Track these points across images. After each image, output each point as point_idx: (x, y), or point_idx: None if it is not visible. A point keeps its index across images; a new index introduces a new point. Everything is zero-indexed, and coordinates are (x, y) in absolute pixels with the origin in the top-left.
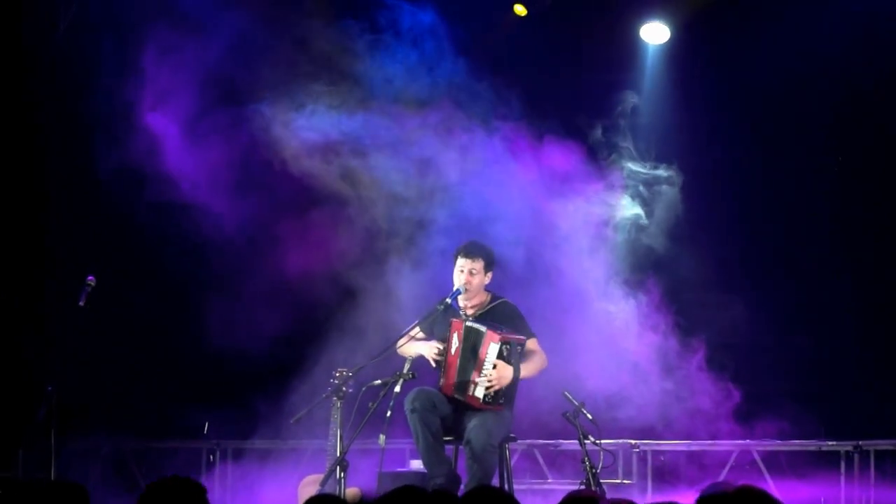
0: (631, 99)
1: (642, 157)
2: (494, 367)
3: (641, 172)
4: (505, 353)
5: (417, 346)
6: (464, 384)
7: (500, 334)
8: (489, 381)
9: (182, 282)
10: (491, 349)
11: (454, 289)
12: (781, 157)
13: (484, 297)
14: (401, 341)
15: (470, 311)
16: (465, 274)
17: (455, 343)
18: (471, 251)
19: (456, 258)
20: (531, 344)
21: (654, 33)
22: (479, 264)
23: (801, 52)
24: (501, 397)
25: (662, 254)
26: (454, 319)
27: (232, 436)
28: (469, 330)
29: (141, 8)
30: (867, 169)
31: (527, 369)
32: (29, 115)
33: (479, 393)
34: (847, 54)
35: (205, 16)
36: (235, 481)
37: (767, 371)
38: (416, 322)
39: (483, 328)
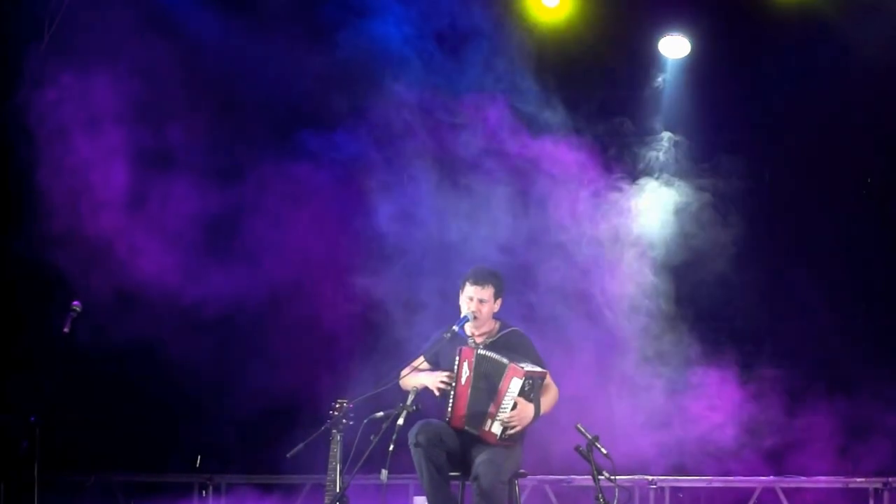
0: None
1: (672, 171)
2: (515, 405)
3: (670, 187)
4: (527, 389)
5: (421, 378)
6: (477, 416)
7: (523, 369)
8: (509, 419)
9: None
10: (513, 384)
11: (461, 316)
12: (814, 177)
13: (493, 326)
14: (404, 372)
15: (479, 339)
16: (475, 302)
17: (465, 372)
18: (480, 278)
19: (464, 285)
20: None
21: (674, 47)
22: (488, 292)
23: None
24: (516, 437)
25: (691, 279)
26: (463, 347)
27: (225, 469)
28: (482, 359)
29: None
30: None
31: (544, 405)
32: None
33: (497, 430)
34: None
35: None
36: None
37: (791, 405)
38: (421, 352)
39: (505, 360)
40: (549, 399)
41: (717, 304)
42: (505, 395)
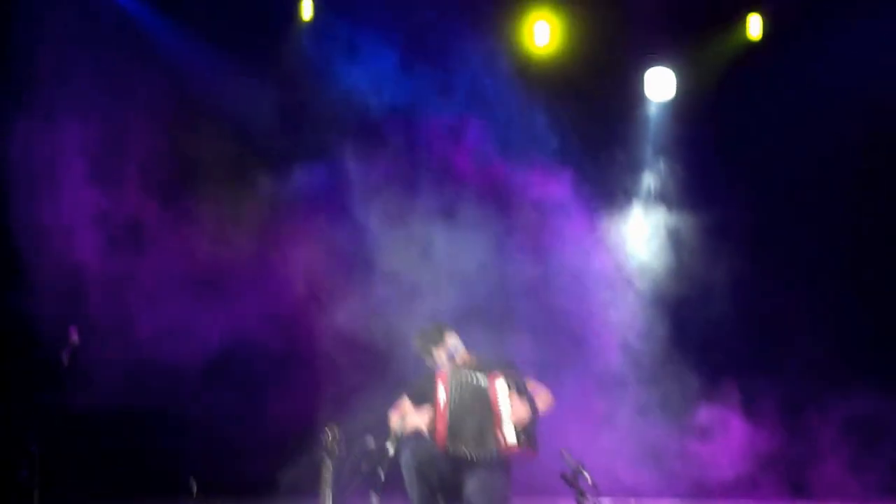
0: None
1: (659, 202)
2: (510, 405)
3: (657, 218)
4: (513, 387)
5: (413, 420)
6: (470, 438)
7: (498, 371)
8: (511, 418)
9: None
10: (499, 386)
11: (450, 346)
12: (797, 210)
13: (468, 357)
14: (391, 416)
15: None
16: (455, 357)
17: (442, 396)
18: (436, 339)
19: (432, 352)
20: (530, 385)
21: (660, 86)
22: (449, 342)
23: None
24: (534, 440)
25: (678, 302)
26: (439, 372)
27: (219, 493)
28: (454, 378)
29: None
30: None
31: (540, 405)
32: None
33: (512, 439)
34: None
35: None
36: None
37: (767, 434)
38: (403, 391)
39: (475, 375)
40: (543, 399)
41: (710, 332)
42: (501, 404)
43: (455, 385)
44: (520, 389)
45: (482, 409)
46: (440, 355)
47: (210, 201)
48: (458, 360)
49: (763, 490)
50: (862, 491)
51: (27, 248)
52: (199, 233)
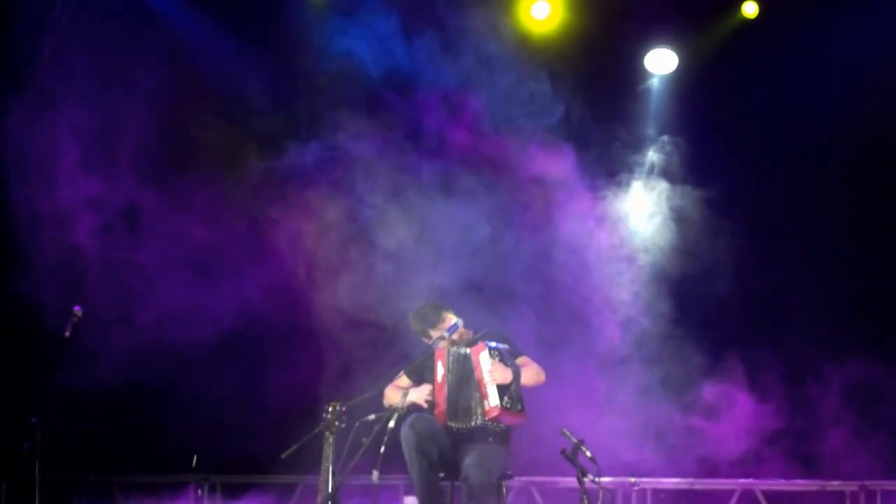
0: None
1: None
2: (493, 370)
3: (661, 195)
4: (497, 357)
5: (410, 396)
6: (464, 409)
7: (482, 343)
8: (493, 380)
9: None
10: (482, 358)
11: (451, 324)
12: (795, 188)
13: (468, 333)
14: (387, 391)
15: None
16: (453, 336)
17: (440, 371)
18: (433, 321)
19: (430, 335)
20: (522, 359)
21: (662, 62)
22: (446, 322)
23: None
24: (518, 402)
25: (679, 281)
26: (436, 349)
27: (221, 469)
28: (453, 356)
29: None
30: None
31: (525, 376)
32: None
33: (495, 400)
34: (855, 82)
35: None
36: None
37: (772, 409)
38: (402, 368)
39: (466, 349)
40: (531, 372)
41: (711, 308)
42: (482, 372)
43: (452, 361)
44: (503, 359)
45: (468, 382)
46: (437, 335)
47: (208, 181)
48: (456, 336)
49: (769, 466)
50: (866, 461)
51: (26, 232)
52: (198, 213)
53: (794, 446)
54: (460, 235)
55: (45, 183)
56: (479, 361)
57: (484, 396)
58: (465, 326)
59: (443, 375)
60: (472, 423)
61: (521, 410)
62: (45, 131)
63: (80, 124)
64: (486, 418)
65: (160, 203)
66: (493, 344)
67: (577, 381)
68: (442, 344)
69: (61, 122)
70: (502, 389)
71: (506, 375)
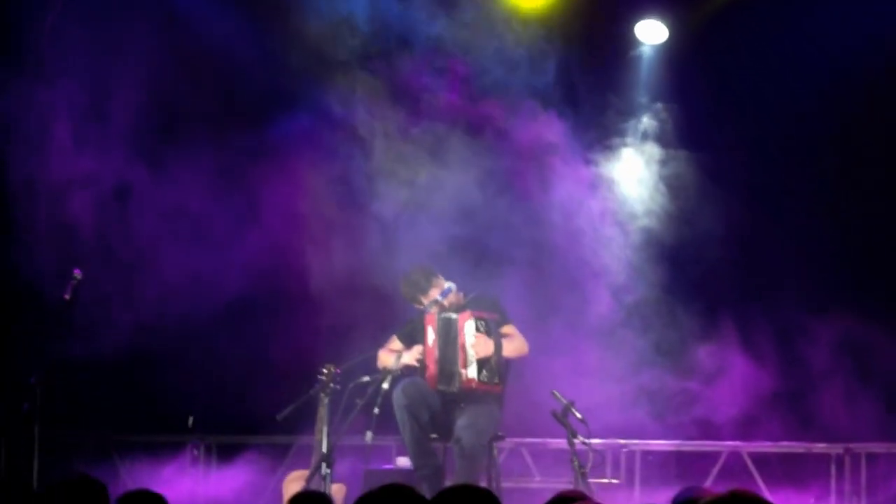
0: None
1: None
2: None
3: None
4: (482, 329)
5: (404, 359)
6: (449, 374)
7: (470, 312)
8: (475, 354)
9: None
10: (467, 327)
11: (445, 287)
12: (789, 151)
13: (458, 297)
14: (381, 354)
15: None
16: (444, 301)
17: (431, 335)
18: (424, 287)
19: (421, 301)
20: (508, 329)
21: (652, 32)
22: (437, 288)
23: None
24: (495, 375)
25: (666, 246)
26: (426, 314)
27: (217, 430)
28: (442, 321)
29: None
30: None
31: (508, 348)
32: None
33: (473, 372)
34: (846, 50)
35: None
36: (220, 476)
37: (764, 372)
38: (394, 332)
39: (454, 315)
40: (514, 345)
41: (703, 273)
42: (465, 340)
43: (441, 326)
44: (488, 330)
45: (453, 349)
46: (428, 301)
47: (201, 150)
48: (447, 303)
49: (760, 427)
50: (857, 423)
51: (22, 204)
52: (191, 183)
53: (785, 408)
54: (452, 200)
55: (41, 156)
56: (463, 329)
57: (463, 366)
58: (457, 290)
59: (433, 340)
60: (456, 389)
61: (498, 384)
62: (40, 104)
63: (75, 97)
64: (462, 388)
65: (156, 173)
66: (477, 312)
67: (569, 346)
68: (433, 309)
69: (56, 95)
70: (482, 362)
71: (487, 348)
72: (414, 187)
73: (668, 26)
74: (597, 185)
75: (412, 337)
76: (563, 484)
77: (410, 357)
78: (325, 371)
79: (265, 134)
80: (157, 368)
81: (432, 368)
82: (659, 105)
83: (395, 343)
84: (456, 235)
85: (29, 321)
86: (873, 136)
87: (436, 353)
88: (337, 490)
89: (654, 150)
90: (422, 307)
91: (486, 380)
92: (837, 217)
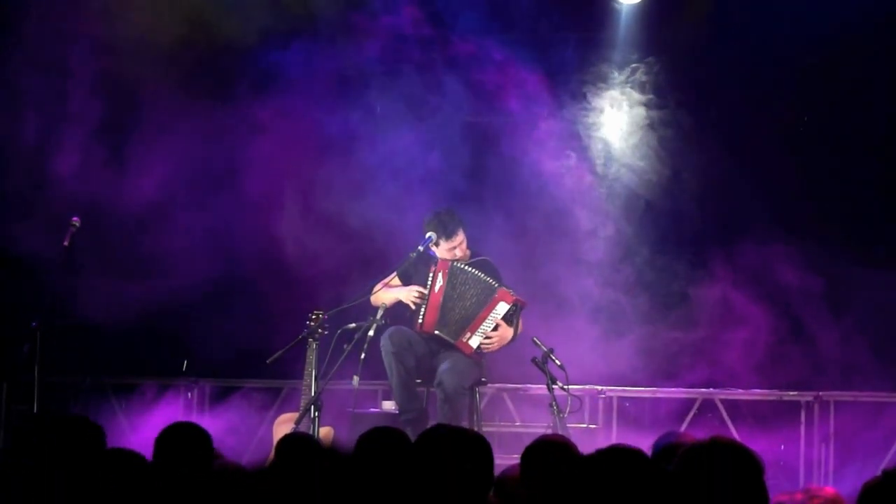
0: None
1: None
2: (496, 326)
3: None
4: (510, 314)
5: (394, 292)
6: (453, 324)
7: (513, 296)
8: (489, 338)
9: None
10: (500, 307)
11: (427, 235)
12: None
13: (466, 252)
14: (376, 287)
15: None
16: (457, 251)
17: (439, 282)
18: (450, 231)
19: (437, 243)
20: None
21: None
22: (460, 237)
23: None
24: (484, 354)
25: (646, 203)
26: (439, 260)
27: (209, 374)
28: (459, 271)
29: None
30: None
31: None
32: None
33: (474, 343)
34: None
35: None
36: (212, 418)
37: (731, 322)
38: (394, 269)
39: (494, 283)
40: (521, 325)
41: (686, 228)
42: (489, 316)
43: (452, 276)
44: (513, 319)
45: (467, 306)
46: (447, 246)
47: (186, 102)
48: (460, 253)
49: (735, 376)
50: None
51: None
52: (177, 141)
53: (759, 356)
54: (430, 157)
55: (21, 119)
56: (495, 307)
57: (471, 331)
58: (468, 246)
59: (440, 287)
60: (451, 339)
61: (482, 356)
62: (11, 63)
63: (48, 54)
64: (456, 345)
65: (146, 123)
66: (517, 296)
67: (553, 295)
68: (444, 257)
69: (29, 55)
70: (487, 341)
71: (504, 338)
72: (394, 141)
73: None
74: (578, 138)
75: (411, 276)
76: (543, 428)
77: (406, 295)
78: (313, 317)
79: (252, 79)
80: (155, 318)
81: (434, 314)
82: (644, 60)
83: (395, 280)
84: (438, 188)
85: (29, 267)
86: (856, 82)
87: (441, 299)
88: (325, 432)
89: (636, 104)
90: (436, 249)
91: (479, 351)
92: (805, 161)
